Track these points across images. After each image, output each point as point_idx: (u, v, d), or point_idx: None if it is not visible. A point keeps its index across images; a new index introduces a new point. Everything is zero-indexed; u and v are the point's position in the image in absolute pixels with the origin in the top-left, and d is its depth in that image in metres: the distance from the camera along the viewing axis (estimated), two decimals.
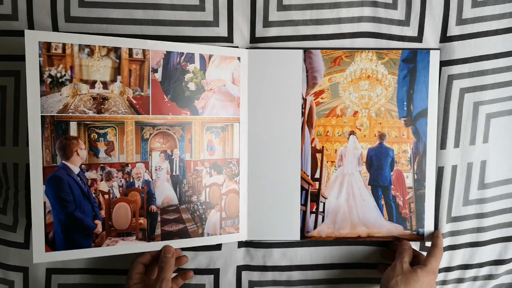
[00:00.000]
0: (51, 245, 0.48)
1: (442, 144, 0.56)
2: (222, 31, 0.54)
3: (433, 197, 0.57)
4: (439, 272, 0.58)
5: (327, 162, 0.59)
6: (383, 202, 0.59)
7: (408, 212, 0.59)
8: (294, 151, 0.57)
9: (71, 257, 0.49)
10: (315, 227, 0.59)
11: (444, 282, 0.59)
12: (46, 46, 0.46)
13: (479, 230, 0.58)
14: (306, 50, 0.56)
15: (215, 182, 0.55)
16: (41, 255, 0.47)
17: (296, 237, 0.58)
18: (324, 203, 0.59)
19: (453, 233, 0.58)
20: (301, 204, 0.58)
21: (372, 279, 0.59)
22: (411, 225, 0.58)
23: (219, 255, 0.57)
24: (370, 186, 0.59)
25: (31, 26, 0.53)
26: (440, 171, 0.57)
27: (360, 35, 0.55)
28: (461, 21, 0.55)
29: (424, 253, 0.55)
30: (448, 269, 0.59)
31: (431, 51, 0.55)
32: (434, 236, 0.57)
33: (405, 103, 0.58)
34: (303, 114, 0.57)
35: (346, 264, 0.58)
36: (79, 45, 0.47)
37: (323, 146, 0.59)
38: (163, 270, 0.49)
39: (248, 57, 0.54)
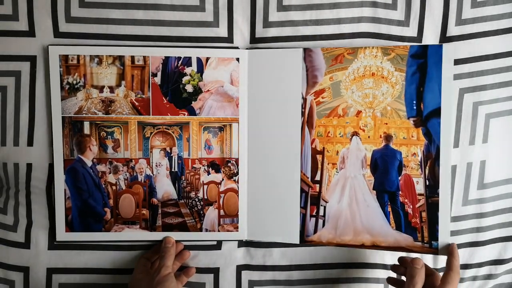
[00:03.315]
0: (70, 226, 0.68)
1: None
2: (222, 31, 0.67)
3: (448, 206, 0.64)
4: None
5: (328, 164, 0.67)
6: (389, 209, 0.66)
7: (419, 222, 0.65)
8: (293, 152, 0.67)
9: (86, 238, 0.69)
10: (315, 231, 0.68)
11: None
12: (64, 58, 0.67)
13: (478, 230, 0.71)
14: (307, 49, 0.66)
15: (212, 180, 0.70)
16: (62, 235, 0.68)
17: (296, 240, 0.68)
18: (324, 207, 0.68)
19: (452, 233, 0.71)
20: (301, 207, 0.67)
21: (372, 279, 0.71)
22: (423, 236, 0.65)
23: (219, 254, 0.70)
24: (375, 191, 0.66)
25: (31, 27, 0.65)
26: None
27: (359, 36, 0.68)
28: (460, 22, 0.68)
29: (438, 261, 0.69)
30: None
31: (444, 44, 0.63)
32: (449, 254, 0.62)
33: (414, 102, 0.64)
34: (303, 114, 0.67)
35: (346, 264, 0.71)
36: (90, 55, 0.67)
37: (323, 147, 0.67)
38: (163, 258, 0.64)
39: (247, 58, 0.65)
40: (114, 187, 0.69)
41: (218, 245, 0.71)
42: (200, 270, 0.71)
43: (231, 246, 0.71)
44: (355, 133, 0.66)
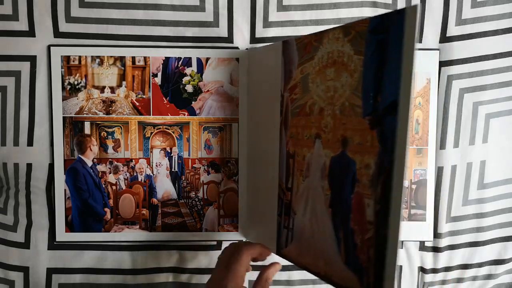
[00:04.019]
0: (70, 226, 0.70)
1: (441, 144, 0.70)
2: (222, 31, 0.68)
3: (396, 246, 0.42)
4: (438, 272, 0.72)
5: (297, 170, 0.58)
6: (341, 234, 0.51)
7: (366, 260, 0.47)
8: (273, 154, 0.62)
9: (86, 239, 0.70)
10: (286, 244, 0.59)
11: (443, 282, 0.73)
12: (66, 59, 0.68)
13: (478, 230, 0.72)
14: (284, 41, 0.59)
15: (212, 180, 0.71)
16: (62, 235, 0.70)
17: (274, 250, 0.62)
18: (293, 219, 0.59)
19: (452, 233, 0.72)
20: (278, 215, 0.62)
21: None
22: (369, 281, 0.46)
23: (219, 254, 0.70)
24: (330, 209, 0.52)
25: (31, 27, 0.67)
26: (439, 171, 0.71)
27: None
28: (460, 22, 0.69)
29: None
30: (447, 269, 0.73)
31: (407, 8, 0.41)
32: None
33: (371, 94, 0.46)
34: (281, 112, 0.60)
35: None
36: (92, 56, 0.69)
37: (294, 151, 0.58)
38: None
39: (247, 58, 0.67)
40: (114, 187, 0.70)
41: (218, 245, 0.73)
42: (200, 271, 0.72)
43: None
44: (317, 136, 0.54)
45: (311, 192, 0.55)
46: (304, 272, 0.70)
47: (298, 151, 0.57)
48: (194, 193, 0.71)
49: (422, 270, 0.74)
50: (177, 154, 0.71)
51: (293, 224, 0.58)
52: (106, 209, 0.70)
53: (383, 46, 0.44)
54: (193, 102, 0.70)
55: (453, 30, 0.70)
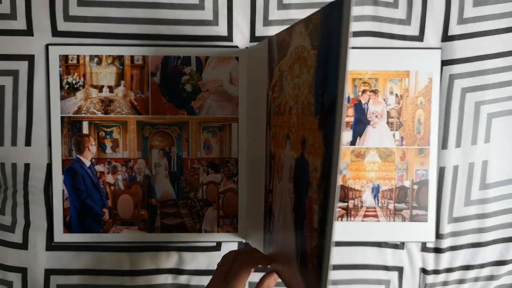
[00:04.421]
0: (68, 227, 0.70)
1: (443, 144, 0.70)
2: (221, 30, 0.68)
3: (329, 259, 0.38)
4: (440, 273, 0.72)
5: (275, 171, 0.55)
6: (299, 241, 0.47)
7: (312, 270, 0.42)
8: (261, 155, 0.62)
9: (84, 240, 0.70)
10: (269, 247, 0.58)
11: (445, 283, 0.74)
12: (64, 58, 0.68)
13: (480, 230, 0.72)
14: (270, 39, 0.58)
15: (212, 180, 0.70)
16: (60, 236, 0.70)
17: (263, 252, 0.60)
18: (273, 222, 0.56)
19: (454, 234, 0.72)
20: (263, 217, 0.61)
21: (371, 280, 0.73)
22: None
23: (218, 255, 0.71)
24: (293, 214, 0.49)
25: (29, 26, 0.67)
26: (441, 171, 0.71)
27: (361, 34, 0.69)
28: (462, 21, 0.69)
29: None
30: (449, 270, 0.73)
31: None
32: None
33: (320, 92, 0.42)
34: (267, 112, 0.60)
35: (346, 266, 0.72)
36: (90, 55, 0.69)
37: (274, 152, 0.56)
38: None
39: (247, 57, 0.67)
40: (112, 188, 0.70)
41: (217, 246, 0.73)
42: (199, 272, 0.72)
43: (231, 247, 0.73)
44: (287, 136, 0.51)
45: (284, 195, 0.52)
46: None
47: (276, 151, 0.55)
48: (193, 193, 0.71)
49: (424, 271, 0.74)
50: (176, 154, 0.71)
51: (272, 227, 0.56)
52: (105, 210, 0.70)
53: (329, 39, 0.40)
54: (192, 101, 0.69)
55: (454, 29, 0.70)
